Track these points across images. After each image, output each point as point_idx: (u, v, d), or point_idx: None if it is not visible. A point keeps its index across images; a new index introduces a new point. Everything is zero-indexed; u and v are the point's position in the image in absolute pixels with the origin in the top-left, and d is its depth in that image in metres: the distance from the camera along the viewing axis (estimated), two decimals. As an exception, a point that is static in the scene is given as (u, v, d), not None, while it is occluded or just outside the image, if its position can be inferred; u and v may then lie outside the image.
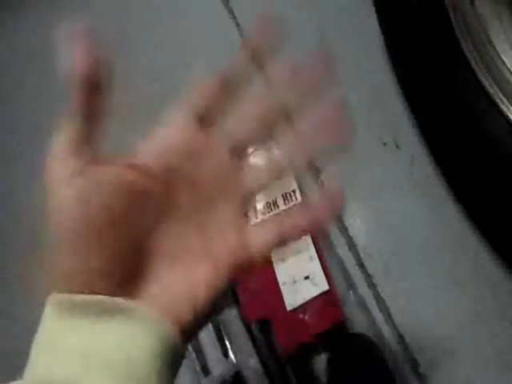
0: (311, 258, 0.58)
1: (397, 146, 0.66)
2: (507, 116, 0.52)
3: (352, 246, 0.61)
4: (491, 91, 0.53)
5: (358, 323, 0.56)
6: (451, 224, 0.61)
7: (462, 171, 0.59)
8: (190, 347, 0.54)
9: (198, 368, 0.55)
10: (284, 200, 0.62)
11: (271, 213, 0.61)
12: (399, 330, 0.57)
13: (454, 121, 0.57)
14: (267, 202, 0.62)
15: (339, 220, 0.62)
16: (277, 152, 0.29)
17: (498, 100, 0.53)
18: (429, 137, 0.64)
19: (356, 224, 0.63)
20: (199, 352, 0.55)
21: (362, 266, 0.60)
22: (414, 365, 0.55)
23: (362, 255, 0.61)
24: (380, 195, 0.64)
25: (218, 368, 0.54)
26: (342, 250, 0.61)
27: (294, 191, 0.63)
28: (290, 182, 0.63)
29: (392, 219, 0.63)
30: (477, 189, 0.57)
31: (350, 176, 0.65)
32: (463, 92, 0.56)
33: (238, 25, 0.75)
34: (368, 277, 0.59)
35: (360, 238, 0.62)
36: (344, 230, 0.62)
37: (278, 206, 0.62)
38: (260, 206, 0.62)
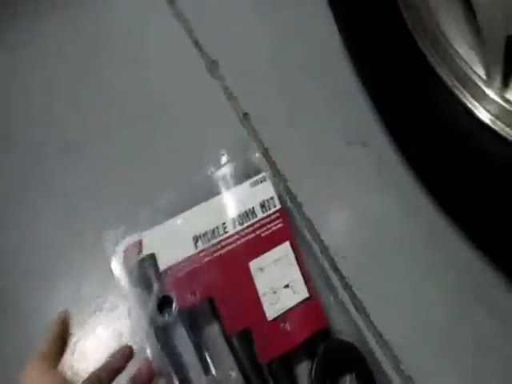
0: (290, 265, 0.57)
1: (363, 145, 0.66)
2: (465, 104, 0.53)
3: (324, 249, 0.61)
4: (449, 82, 0.54)
5: (341, 327, 0.55)
6: (423, 218, 0.61)
7: (429, 164, 0.59)
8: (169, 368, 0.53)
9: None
10: (262, 208, 0.61)
11: (250, 221, 0.60)
12: (378, 328, 0.56)
13: (416, 115, 0.58)
14: (244, 211, 0.61)
15: (310, 225, 0.62)
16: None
17: (455, 90, 0.54)
18: (394, 132, 0.64)
19: (327, 227, 0.62)
20: (180, 372, 0.53)
21: (336, 269, 0.59)
22: (396, 363, 0.54)
23: (335, 258, 0.60)
24: (349, 195, 0.64)
25: (197, 381, 0.52)
26: (318, 255, 0.61)
27: (271, 198, 0.62)
28: (267, 189, 0.62)
29: (363, 219, 0.63)
30: (446, 180, 0.57)
31: (318, 177, 0.65)
32: (423, 86, 0.57)
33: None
34: (343, 279, 0.59)
35: (332, 241, 0.61)
36: (316, 234, 0.61)
37: (255, 215, 0.61)
38: (237, 215, 0.61)
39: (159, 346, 0.54)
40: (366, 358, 0.53)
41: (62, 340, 0.47)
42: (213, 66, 0.73)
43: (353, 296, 0.58)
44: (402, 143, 0.63)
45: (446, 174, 0.56)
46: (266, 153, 0.67)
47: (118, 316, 0.60)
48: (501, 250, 0.53)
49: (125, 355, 0.49)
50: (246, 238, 0.60)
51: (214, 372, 0.54)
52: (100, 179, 0.68)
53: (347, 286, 0.59)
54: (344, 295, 0.58)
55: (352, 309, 0.57)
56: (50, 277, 0.64)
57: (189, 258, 0.59)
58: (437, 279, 0.58)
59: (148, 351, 0.54)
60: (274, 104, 0.70)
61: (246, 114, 0.70)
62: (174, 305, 0.56)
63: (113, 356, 0.48)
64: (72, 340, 0.58)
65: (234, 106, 0.70)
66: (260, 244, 0.59)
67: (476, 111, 0.53)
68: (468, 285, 0.57)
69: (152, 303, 0.56)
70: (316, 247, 0.61)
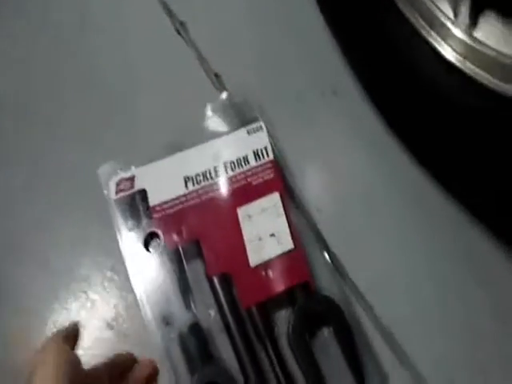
0: (278, 216, 0.58)
1: (335, 95, 0.66)
2: (432, 44, 0.52)
3: (300, 204, 0.61)
4: (414, 21, 0.54)
5: (323, 283, 0.56)
6: (397, 168, 0.61)
7: (397, 109, 0.59)
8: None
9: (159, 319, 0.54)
10: (255, 156, 0.61)
11: (242, 168, 0.61)
12: (358, 285, 0.57)
13: (384, 59, 0.57)
14: (237, 158, 0.61)
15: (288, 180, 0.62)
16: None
17: (421, 29, 0.53)
18: (365, 80, 0.64)
19: (303, 181, 0.62)
20: (164, 303, 0.55)
21: (313, 224, 0.60)
22: (376, 321, 0.55)
23: (312, 212, 0.61)
24: (322, 147, 0.64)
25: (178, 319, 0.54)
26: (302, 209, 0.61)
27: (265, 148, 0.62)
28: (262, 139, 0.62)
29: (337, 171, 0.63)
30: (417, 126, 0.57)
31: (289, 134, 0.64)
32: (387, 25, 0.56)
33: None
34: (319, 234, 0.59)
35: (308, 195, 0.61)
36: (291, 189, 0.61)
37: (248, 162, 0.61)
38: (230, 160, 0.61)
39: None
40: (346, 313, 0.54)
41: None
42: (181, 28, 0.71)
43: (327, 249, 0.59)
44: (370, 89, 0.63)
45: (414, 118, 0.56)
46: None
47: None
48: (475, 199, 0.54)
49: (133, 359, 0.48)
50: (237, 184, 0.60)
51: (194, 309, 0.55)
52: (90, 124, 0.68)
53: (322, 240, 0.59)
54: (321, 248, 0.58)
55: (332, 266, 0.58)
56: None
57: (178, 198, 0.59)
58: (413, 231, 0.59)
59: (132, 282, 0.55)
60: (246, 63, 0.70)
61: (217, 75, 0.69)
62: (160, 241, 0.57)
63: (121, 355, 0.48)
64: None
65: (205, 67, 0.69)
66: (250, 192, 0.60)
67: (443, 51, 0.51)
68: (447, 235, 0.58)
69: (140, 237, 0.57)
70: (298, 200, 0.61)
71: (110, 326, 0.57)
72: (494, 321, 0.54)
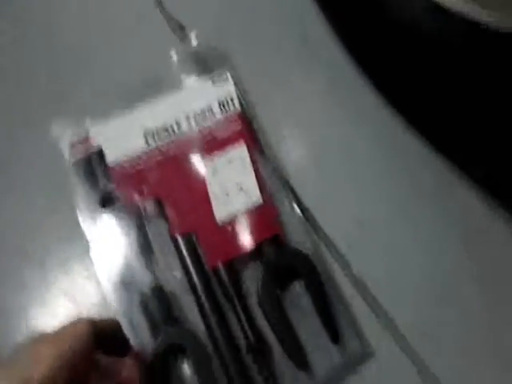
0: (245, 169, 0.54)
1: (304, 42, 0.62)
2: None
3: (269, 157, 0.57)
4: None
5: (295, 237, 0.53)
6: (369, 113, 0.58)
7: (376, 57, 0.57)
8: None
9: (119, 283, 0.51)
10: (221, 107, 0.57)
11: (207, 121, 0.57)
12: (331, 238, 0.54)
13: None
14: (201, 110, 0.57)
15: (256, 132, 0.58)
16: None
17: None
18: (337, 25, 0.61)
19: (273, 133, 0.59)
20: (124, 266, 0.52)
21: (283, 177, 0.57)
22: (351, 274, 0.53)
23: (281, 165, 0.57)
24: (290, 97, 0.60)
25: (139, 282, 0.51)
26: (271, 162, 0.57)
27: (231, 99, 0.58)
28: (228, 89, 0.59)
29: (309, 119, 0.59)
30: (392, 70, 0.55)
31: (255, 83, 0.60)
32: None
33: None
34: (290, 187, 0.56)
35: (278, 148, 0.58)
36: (259, 142, 0.58)
37: (213, 114, 0.57)
38: (194, 112, 0.57)
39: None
40: (318, 268, 0.51)
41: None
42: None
43: (304, 207, 0.56)
44: (341, 31, 0.60)
45: (391, 62, 0.55)
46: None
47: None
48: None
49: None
50: (202, 137, 0.56)
51: (157, 271, 0.52)
52: (40, 78, 0.64)
53: (294, 194, 0.56)
54: (295, 204, 0.55)
55: (303, 219, 0.55)
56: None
57: (138, 156, 0.56)
58: (391, 181, 0.56)
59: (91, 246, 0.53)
60: (213, 10, 0.65)
61: (181, 26, 0.64)
62: (120, 202, 0.54)
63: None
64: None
65: (166, 14, 0.65)
66: (216, 145, 0.56)
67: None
68: (420, 175, 0.56)
69: (97, 199, 0.53)
70: (269, 153, 0.57)
71: (66, 294, 0.54)
72: (472, 278, 0.52)
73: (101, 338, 0.42)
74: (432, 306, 0.51)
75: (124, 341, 0.48)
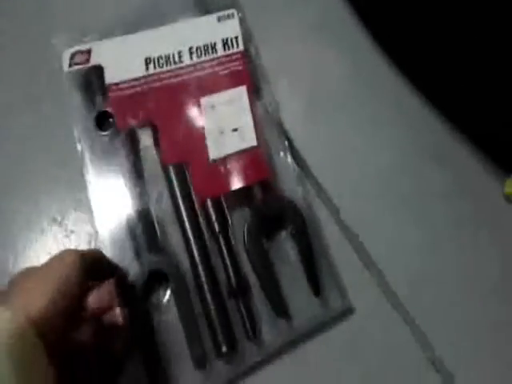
0: (243, 110, 0.54)
1: None
2: None
3: (265, 101, 0.56)
4: None
5: (285, 185, 0.53)
6: (368, 65, 0.58)
7: (380, 12, 0.57)
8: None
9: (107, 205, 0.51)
10: (224, 45, 0.57)
11: (209, 56, 0.56)
12: (319, 180, 0.55)
13: None
14: (205, 44, 0.57)
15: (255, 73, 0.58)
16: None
17: None
18: None
19: (271, 76, 0.58)
20: (113, 188, 0.52)
21: (278, 122, 0.56)
22: (335, 212, 0.53)
23: (277, 110, 0.57)
24: (292, 45, 0.60)
25: (128, 205, 0.51)
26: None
27: (236, 38, 0.57)
28: (233, 27, 0.58)
29: (306, 71, 0.59)
30: (396, 28, 0.56)
31: (259, 28, 0.59)
32: None
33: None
34: (284, 134, 0.56)
35: (275, 92, 0.57)
36: (258, 84, 0.57)
37: (216, 51, 0.57)
38: (197, 46, 0.56)
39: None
40: (306, 217, 0.51)
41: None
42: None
43: (293, 149, 0.55)
44: None
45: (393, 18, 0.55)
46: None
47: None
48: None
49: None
50: (202, 71, 0.56)
51: (146, 197, 0.52)
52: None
53: (288, 139, 0.56)
54: (288, 150, 0.55)
55: (295, 166, 0.54)
56: None
57: (137, 80, 0.54)
58: (383, 127, 0.57)
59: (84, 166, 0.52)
60: None
61: None
62: (113, 121, 0.53)
63: None
64: None
65: None
66: (215, 82, 0.55)
67: None
68: (416, 132, 0.56)
69: (92, 116, 0.52)
70: (266, 97, 0.57)
71: (55, 221, 0.53)
72: (457, 229, 0.53)
73: (87, 266, 0.42)
74: (421, 260, 0.52)
75: (108, 270, 0.47)
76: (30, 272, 0.40)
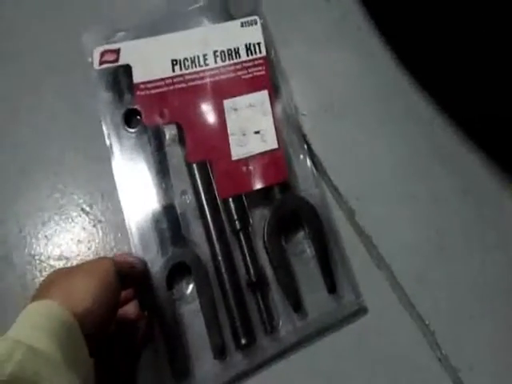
0: (265, 114, 0.56)
1: (327, 0, 0.64)
2: None
3: (286, 104, 0.58)
4: None
5: (303, 186, 0.55)
6: (382, 71, 0.61)
7: (393, 16, 0.60)
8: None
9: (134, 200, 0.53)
10: (247, 50, 0.59)
11: (233, 60, 0.58)
12: (335, 183, 0.56)
13: None
14: (229, 49, 0.59)
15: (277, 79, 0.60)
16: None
17: None
18: None
19: (292, 82, 0.60)
20: (140, 183, 0.54)
21: (298, 126, 0.58)
22: (351, 213, 0.55)
23: (297, 114, 0.59)
24: (310, 51, 0.62)
25: (153, 201, 0.52)
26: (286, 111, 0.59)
27: (259, 44, 0.59)
28: (256, 33, 0.60)
29: (323, 75, 0.61)
30: (408, 31, 0.58)
31: (279, 34, 0.62)
32: None
33: None
34: (302, 137, 0.58)
35: (295, 97, 0.60)
36: (279, 89, 0.59)
37: (239, 55, 0.59)
38: (221, 50, 0.58)
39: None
40: (322, 218, 0.53)
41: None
42: None
43: (310, 152, 0.58)
44: None
45: (408, 25, 0.57)
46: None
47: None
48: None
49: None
50: (226, 75, 0.58)
51: (171, 193, 0.53)
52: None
53: (306, 143, 0.58)
54: (304, 152, 0.57)
55: (310, 164, 0.57)
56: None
57: (164, 80, 0.56)
58: (393, 131, 0.58)
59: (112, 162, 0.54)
60: None
61: None
62: (141, 118, 0.55)
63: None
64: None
65: None
66: (238, 85, 0.57)
67: None
68: (425, 135, 0.58)
69: (120, 113, 0.54)
70: (286, 101, 0.59)
71: (84, 211, 0.55)
72: (466, 231, 0.55)
73: (120, 272, 0.44)
74: (432, 262, 0.54)
75: (138, 277, 0.49)
76: (69, 272, 0.43)
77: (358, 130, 0.59)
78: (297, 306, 0.51)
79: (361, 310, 0.52)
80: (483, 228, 0.55)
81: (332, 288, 0.52)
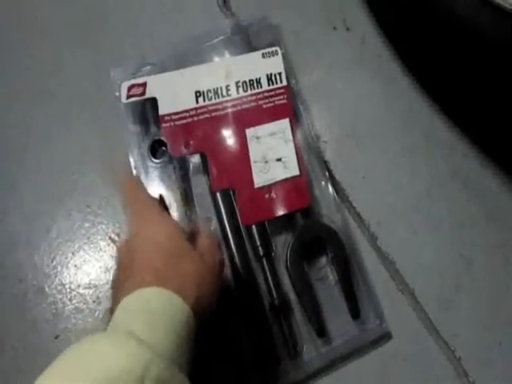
0: (286, 142, 0.58)
1: (347, 29, 0.66)
2: None
3: (307, 132, 0.60)
4: None
5: (325, 211, 0.56)
6: (403, 97, 0.62)
7: (413, 43, 0.61)
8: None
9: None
10: (268, 80, 0.61)
11: (254, 90, 0.60)
12: (357, 208, 0.57)
13: None
14: (250, 79, 0.60)
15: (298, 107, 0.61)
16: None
17: None
18: (378, 14, 0.65)
19: (309, 111, 0.62)
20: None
21: (319, 152, 0.60)
22: (373, 238, 0.56)
23: (318, 141, 0.61)
24: (331, 79, 0.64)
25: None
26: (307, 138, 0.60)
27: (279, 73, 0.61)
28: (276, 64, 0.62)
29: (344, 101, 0.63)
30: (428, 58, 0.59)
31: (300, 63, 0.64)
32: None
33: None
34: (324, 163, 0.59)
35: (316, 124, 0.61)
36: (301, 117, 0.61)
37: (261, 85, 0.60)
38: (243, 80, 0.60)
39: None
40: (345, 243, 0.54)
41: None
42: None
43: (332, 178, 0.59)
44: (385, 24, 0.65)
45: (428, 52, 0.58)
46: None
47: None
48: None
49: None
50: (248, 105, 0.59)
51: (195, 221, 0.55)
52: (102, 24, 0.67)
53: (328, 170, 0.59)
54: (326, 178, 0.58)
55: (331, 191, 0.57)
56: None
57: (188, 111, 0.58)
58: (415, 157, 0.59)
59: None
60: None
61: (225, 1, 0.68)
62: (167, 151, 0.57)
63: None
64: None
65: None
66: (260, 114, 0.59)
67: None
68: (445, 161, 0.59)
69: (147, 144, 0.56)
70: (306, 128, 0.60)
71: (112, 240, 0.57)
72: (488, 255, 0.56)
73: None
74: (455, 287, 0.54)
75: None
76: (180, 255, 0.42)
77: (379, 155, 0.60)
78: (320, 331, 0.52)
79: (385, 336, 0.53)
80: (507, 252, 0.55)
81: (356, 313, 0.52)
